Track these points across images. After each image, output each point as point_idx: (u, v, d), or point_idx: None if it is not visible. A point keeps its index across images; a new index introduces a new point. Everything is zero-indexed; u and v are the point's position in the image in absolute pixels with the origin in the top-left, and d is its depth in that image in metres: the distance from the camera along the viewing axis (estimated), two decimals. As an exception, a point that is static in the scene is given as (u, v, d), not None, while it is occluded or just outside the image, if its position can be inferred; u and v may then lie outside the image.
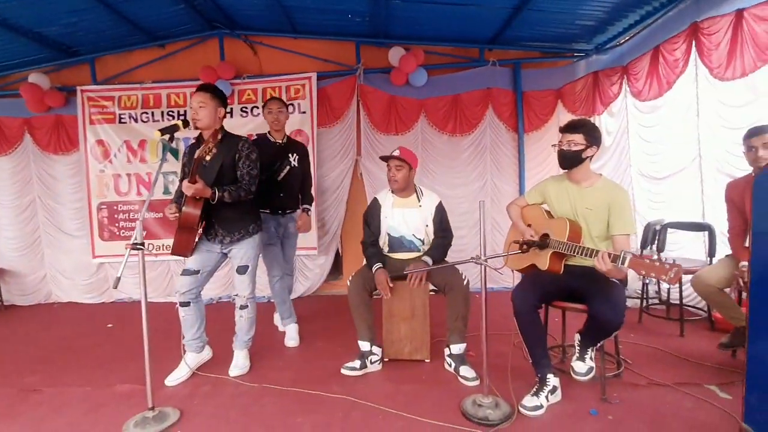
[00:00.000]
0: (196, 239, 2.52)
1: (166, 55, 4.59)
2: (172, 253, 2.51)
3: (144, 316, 2.06)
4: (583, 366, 2.11)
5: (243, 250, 2.56)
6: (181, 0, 3.81)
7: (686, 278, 3.08)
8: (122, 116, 4.54)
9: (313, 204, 3.58)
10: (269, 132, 3.21)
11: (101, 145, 4.55)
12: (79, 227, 4.65)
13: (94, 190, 4.58)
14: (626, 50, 3.89)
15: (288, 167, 3.15)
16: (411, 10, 3.78)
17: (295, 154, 3.20)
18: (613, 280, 2.06)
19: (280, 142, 3.19)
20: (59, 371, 2.78)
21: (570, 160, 2.17)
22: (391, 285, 2.58)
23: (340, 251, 4.68)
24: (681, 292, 3.07)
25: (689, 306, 3.34)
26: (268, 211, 3.07)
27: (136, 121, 4.53)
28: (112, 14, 3.80)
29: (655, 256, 1.77)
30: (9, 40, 3.90)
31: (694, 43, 2.98)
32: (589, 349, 2.14)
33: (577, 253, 2.01)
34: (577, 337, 2.18)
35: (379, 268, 2.60)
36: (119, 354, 3.01)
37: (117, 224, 4.60)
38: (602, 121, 4.13)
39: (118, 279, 1.91)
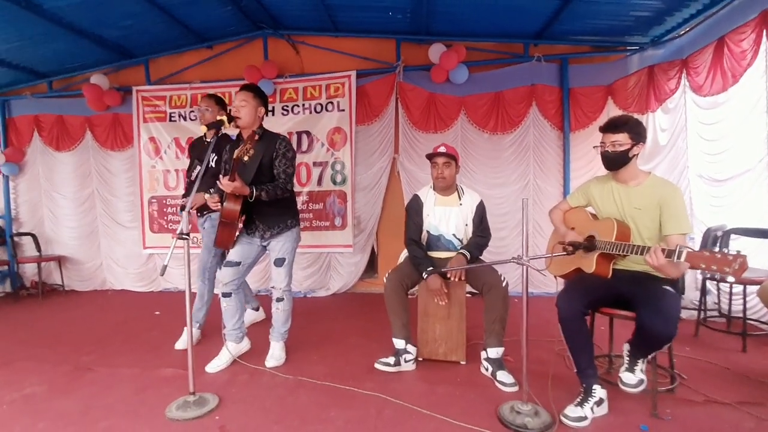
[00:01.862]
0: (237, 233, 2.60)
1: (213, 56, 4.79)
2: (215, 246, 2.61)
3: (188, 302, 2.15)
4: (632, 377, 1.98)
5: (281, 243, 2.62)
6: (229, 2, 3.96)
7: (751, 289, 2.85)
8: (172, 115, 4.78)
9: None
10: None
11: (153, 142, 4.81)
12: (132, 219, 4.94)
13: (145, 185, 4.86)
14: (686, 42, 3.63)
15: (199, 167, 2.78)
16: (453, 5, 3.72)
17: (214, 155, 2.94)
18: (666, 288, 1.92)
19: (208, 141, 2.89)
20: (111, 353, 2.96)
21: (616, 162, 2.05)
22: (446, 290, 2.54)
23: (375, 249, 4.69)
24: (745, 303, 2.83)
25: (753, 320, 3.07)
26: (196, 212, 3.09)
27: (185, 119, 4.75)
28: (165, 17, 4.02)
29: (716, 249, 1.63)
30: (73, 42, 4.20)
31: (764, 32, 2.74)
32: (640, 361, 2.00)
33: (626, 252, 1.89)
34: (626, 347, 2.04)
35: (433, 273, 2.53)
36: (165, 340, 3.15)
37: (165, 217, 4.85)
38: (656, 118, 3.88)
39: (165, 267, 2.00)
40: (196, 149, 3.14)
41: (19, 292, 4.98)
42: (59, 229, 5.10)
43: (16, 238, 5.07)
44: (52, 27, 3.81)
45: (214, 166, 2.95)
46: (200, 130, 2.35)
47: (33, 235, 5.01)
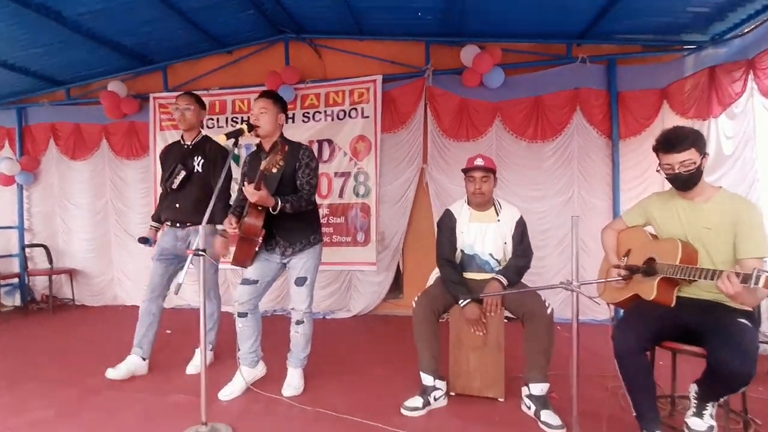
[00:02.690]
0: (257, 249, 2.59)
1: (233, 62, 4.91)
2: (233, 263, 2.61)
3: (202, 324, 2.14)
4: (701, 424, 1.83)
5: (303, 261, 2.60)
6: (251, 6, 4.06)
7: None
8: (189, 122, 4.90)
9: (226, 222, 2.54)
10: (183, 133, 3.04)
11: (169, 150, 4.94)
12: (145, 231, 5.03)
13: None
14: (751, 41, 3.49)
15: (183, 173, 2.89)
16: (489, 4, 3.69)
17: (199, 158, 2.91)
18: (741, 320, 1.78)
19: (188, 144, 2.98)
20: (120, 375, 2.98)
21: (690, 182, 1.94)
22: (484, 320, 2.46)
23: (401, 268, 4.62)
24: (830, 337, 2.62)
25: (840, 356, 2.84)
26: (168, 224, 3.02)
27: (202, 127, 4.84)
28: (185, 22, 4.16)
29: None
30: (92, 50, 4.39)
31: None
32: (710, 405, 1.86)
33: (694, 277, 1.78)
34: (694, 387, 1.91)
35: (470, 302, 2.44)
36: (176, 361, 3.16)
37: (179, 230, 4.93)
38: (719, 124, 3.72)
39: (180, 285, 2.00)
40: (174, 154, 3.02)
41: (29, 306, 5.15)
42: (72, 241, 5.27)
43: (27, 250, 5.26)
44: (71, 34, 3.99)
45: (201, 171, 2.91)
46: (218, 138, 2.37)
47: (45, 247, 5.19)
